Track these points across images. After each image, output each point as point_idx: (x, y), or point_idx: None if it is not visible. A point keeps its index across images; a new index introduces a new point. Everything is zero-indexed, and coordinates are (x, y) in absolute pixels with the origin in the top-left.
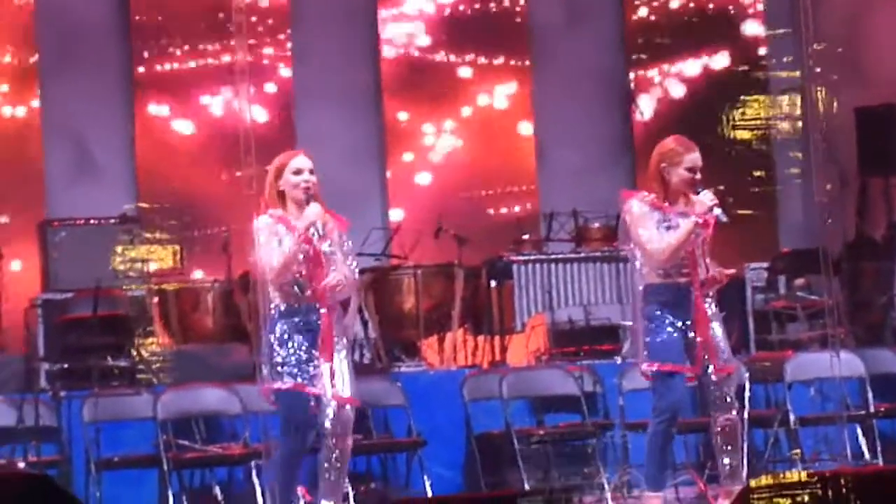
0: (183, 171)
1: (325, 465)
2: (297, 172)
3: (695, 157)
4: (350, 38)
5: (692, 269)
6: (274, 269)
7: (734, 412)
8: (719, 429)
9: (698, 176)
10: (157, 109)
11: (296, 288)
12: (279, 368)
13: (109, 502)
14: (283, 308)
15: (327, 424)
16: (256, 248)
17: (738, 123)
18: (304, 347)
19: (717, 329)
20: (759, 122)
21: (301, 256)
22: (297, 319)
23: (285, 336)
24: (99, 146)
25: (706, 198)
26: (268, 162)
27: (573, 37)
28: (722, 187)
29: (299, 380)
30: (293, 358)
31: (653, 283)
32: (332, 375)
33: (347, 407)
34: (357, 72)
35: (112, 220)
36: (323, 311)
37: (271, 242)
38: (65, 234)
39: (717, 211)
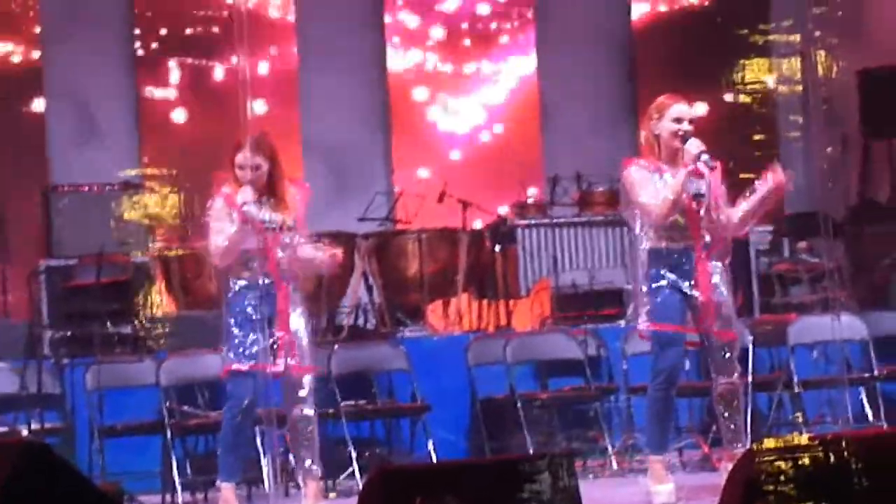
0: (186, 134)
1: (291, 435)
2: (240, 167)
3: (681, 108)
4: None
5: (693, 233)
6: (217, 253)
7: (735, 375)
8: (720, 392)
9: (686, 126)
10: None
11: (247, 265)
12: (236, 350)
13: (113, 469)
14: (237, 286)
15: (287, 396)
16: (208, 230)
17: (738, 87)
18: (258, 325)
19: (723, 293)
20: (759, 85)
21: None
22: (251, 296)
23: (241, 315)
24: (102, 111)
25: (692, 146)
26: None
27: None
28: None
29: (253, 361)
30: (248, 338)
31: (655, 247)
32: (291, 347)
33: (305, 377)
34: (362, 33)
35: (115, 186)
36: (272, 285)
37: (217, 224)
38: (68, 200)
39: (704, 157)
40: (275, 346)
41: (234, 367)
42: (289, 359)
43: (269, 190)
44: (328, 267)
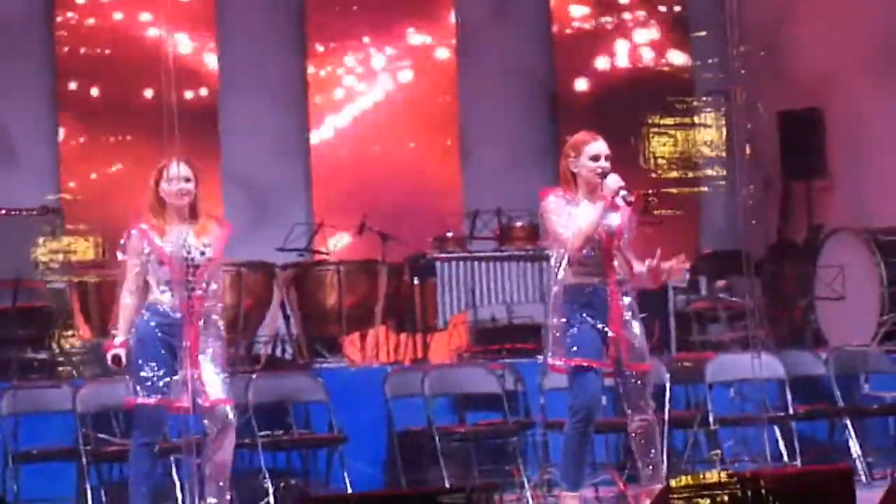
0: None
1: (207, 466)
2: (169, 180)
3: (598, 146)
4: (276, 28)
5: (607, 269)
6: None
7: (650, 412)
8: (636, 429)
9: (604, 163)
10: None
11: (159, 302)
12: (144, 383)
13: (27, 495)
14: (146, 316)
15: (205, 428)
16: (122, 261)
17: (660, 125)
18: (167, 359)
19: (635, 328)
20: (681, 124)
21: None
22: (160, 329)
23: (149, 348)
24: (21, 136)
25: (611, 181)
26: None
27: (499, 34)
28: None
29: (160, 396)
30: (159, 371)
31: (569, 283)
32: (200, 381)
33: (220, 407)
34: (283, 63)
35: (33, 211)
36: (184, 320)
37: (132, 261)
38: None
39: (623, 193)
40: (181, 383)
41: (140, 401)
42: (196, 397)
43: (192, 213)
44: None
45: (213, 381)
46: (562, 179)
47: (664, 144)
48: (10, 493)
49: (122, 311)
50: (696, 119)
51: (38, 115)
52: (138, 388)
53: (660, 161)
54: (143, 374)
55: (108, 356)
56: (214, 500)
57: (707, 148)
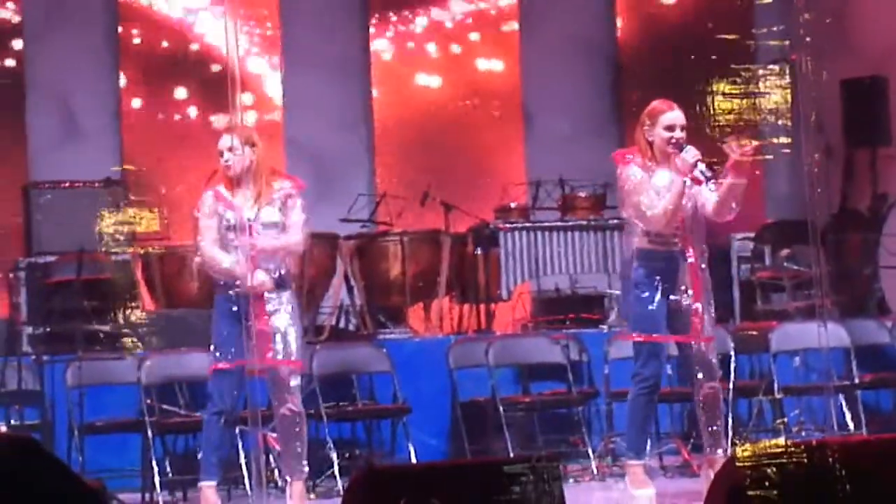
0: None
1: (277, 432)
2: (220, 154)
3: (674, 116)
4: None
5: (684, 236)
6: (204, 254)
7: (717, 380)
8: (702, 397)
9: (678, 133)
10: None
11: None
12: (220, 349)
13: (92, 467)
14: (221, 282)
15: (274, 393)
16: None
17: (725, 92)
18: (238, 322)
19: (709, 298)
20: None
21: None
22: (232, 294)
23: (223, 313)
24: (84, 108)
25: (688, 155)
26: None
27: (562, 3)
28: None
29: (237, 359)
30: (228, 336)
31: (644, 248)
32: (268, 341)
33: (291, 374)
34: (345, 32)
35: (97, 184)
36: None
37: (208, 221)
38: (49, 197)
39: (701, 167)
40: (252, 341)
41: (216, 365)
42: (267, 353)
43: (252, 178)
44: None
45: (283, 342)
46: (637, 146)
47: (728, 112)
48: (76, 465)
49: (223, 260)
50: (760, 86)
51: (102, 87)
52: (216, 353)
53: (724, 129)
54: (218, 339)
55: (259, 281)
56: (288, 473)
57: (771, 116)
